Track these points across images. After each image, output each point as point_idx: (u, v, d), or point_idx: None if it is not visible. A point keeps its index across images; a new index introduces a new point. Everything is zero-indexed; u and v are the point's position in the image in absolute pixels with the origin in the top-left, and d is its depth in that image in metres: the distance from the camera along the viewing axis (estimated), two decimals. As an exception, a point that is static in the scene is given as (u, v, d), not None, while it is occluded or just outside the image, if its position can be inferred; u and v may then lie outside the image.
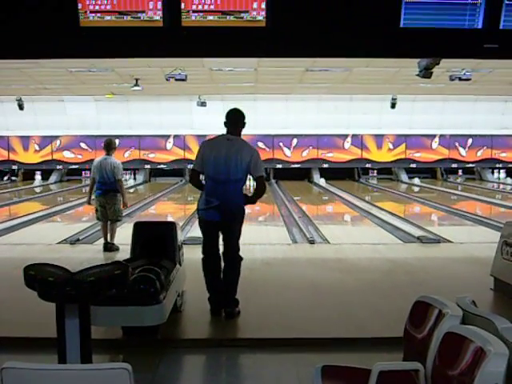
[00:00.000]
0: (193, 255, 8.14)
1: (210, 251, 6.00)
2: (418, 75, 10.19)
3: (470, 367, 2.66)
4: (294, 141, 25.66)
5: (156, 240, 5.98)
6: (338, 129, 25.35)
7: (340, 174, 25.80)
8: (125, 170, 25.89)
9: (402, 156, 26.06)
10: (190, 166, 23.42)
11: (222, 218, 5.75)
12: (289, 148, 25.71)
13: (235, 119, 5.97)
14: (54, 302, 3.84)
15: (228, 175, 5.72)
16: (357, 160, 25.99)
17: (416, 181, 25.53)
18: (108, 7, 5.22)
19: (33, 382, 2.51)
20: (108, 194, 9.41)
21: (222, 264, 5.98)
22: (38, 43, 5.48)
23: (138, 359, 4.30)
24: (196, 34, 5.31)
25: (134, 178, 25.93)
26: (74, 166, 25.08)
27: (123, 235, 8.84)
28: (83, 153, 24.81)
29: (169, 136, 25.57)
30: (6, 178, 26.12)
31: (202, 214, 5.88)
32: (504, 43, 5.45)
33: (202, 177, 6.03)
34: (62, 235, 10.82)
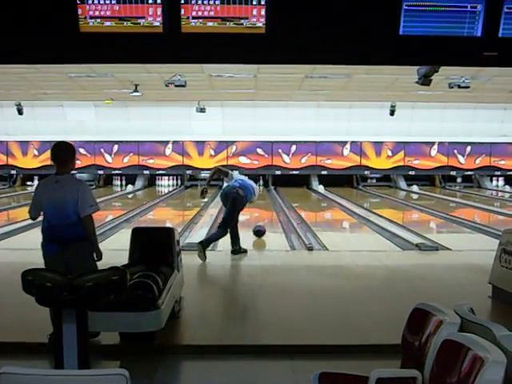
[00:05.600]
0: (191, 261, 8.16)
1: None
2: (417, 82, 10.21)
3: (467, 375, 2.66)
4: (293, 147, 25.66)
5: (154, 246, 5.98)
6: (337, 136, 25.37)
7: (339, 180, 25.81)
8: (123, 175, 26.22)
9: (401, 163, 26.08)
10: (189, 172, 23.53)
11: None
12: (288, 155, 25.71)
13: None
14: (51, 307, 3.84)
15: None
16: (356, 167, 26.00)
17: (415, 188, 25.53)
18: (108, 13, 5.23)
19: (30, 387, 2.51)
20: (71, 247, 5.04)
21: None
22: (37, 49, 5.48)
23: (135, 365, 4.28)
24: (195, 40, 5.32)
25: (133, 184, 25.89)
26: (72, 172, 24.99)
27: (121, 240, 8.84)
28: (82, 158, 24.78)
29: (168, 142, 25.56)
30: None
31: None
32: (503, 51, 5.45)
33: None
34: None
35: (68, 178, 5.30)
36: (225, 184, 9.57)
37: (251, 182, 9.53)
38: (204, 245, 8.96)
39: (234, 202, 9.15)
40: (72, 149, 5.49)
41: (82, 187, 5.25)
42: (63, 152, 5.41)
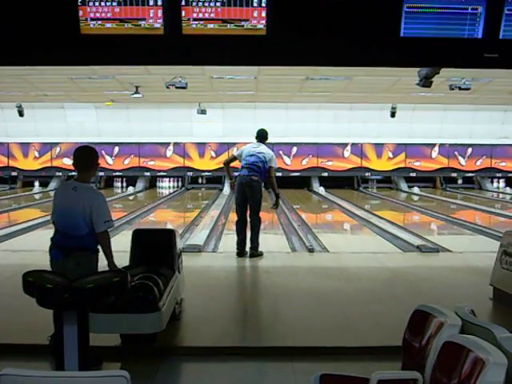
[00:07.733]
0: (192, 263, 8.16)
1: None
2: (417, 84, 10.22)
3: (468, 377, 2.66)
4: (294, 149, 25.67)
5: (155, 247, 5.97)
6: (337, 137, 25.37)
7: (339, 182, 25.80)
8: (124, 177, 26.21)
9: (402, 165, 26.09)
10: (190, 174, 23.47)
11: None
12: (288, 156, 25.72)
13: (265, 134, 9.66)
14: (52, 308, 3.84)
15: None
16: (356, 169, 26.02)
17: (415, 190, 25.53)
18: (109, 15, 5.23)
19: (30, 389, 2.51)
20: (73, 256, 4.78)
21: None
22: (37, 50, 5.48)
23: (136, 367, 4.29)
24: (196, 42, 5.32)
25: (134, 186, 25.88)
26: (73, 173, 24.75)
27: (122, 242, 8.83)
28: (83, 160, 24.77)
29: (169, 143, 25.58)
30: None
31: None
32: (504, 53, 5.45)
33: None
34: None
35: (86, 189, 4.94)
36: (237, 173, 9.60)
37: (259, 156, 9.43)
38: (255, 248, 9.30)
39: (253, 190, 9.28)
40: (95, 155, 5.12)
41: (97, 201, 4.85)
42: (84, 157, 5.08)
